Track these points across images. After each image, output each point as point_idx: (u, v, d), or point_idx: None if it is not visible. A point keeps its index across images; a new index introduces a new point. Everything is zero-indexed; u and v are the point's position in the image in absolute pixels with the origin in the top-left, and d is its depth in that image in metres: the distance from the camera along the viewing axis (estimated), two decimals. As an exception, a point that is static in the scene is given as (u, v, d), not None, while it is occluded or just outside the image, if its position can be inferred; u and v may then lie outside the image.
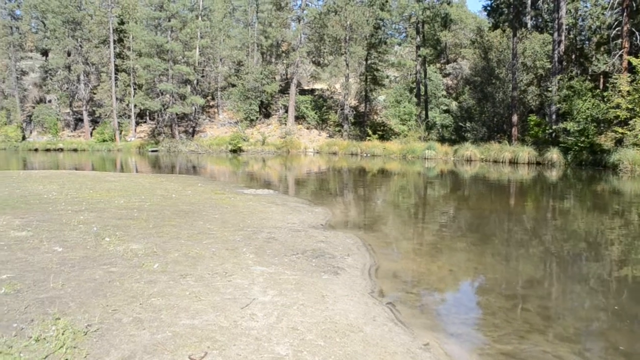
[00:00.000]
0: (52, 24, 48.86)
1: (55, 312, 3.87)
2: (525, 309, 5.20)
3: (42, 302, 4.09)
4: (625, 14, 27.24)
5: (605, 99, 25.93)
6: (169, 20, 44.85)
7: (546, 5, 35.72)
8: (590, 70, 32.93)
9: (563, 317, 5.01)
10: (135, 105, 47.64)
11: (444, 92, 44.74)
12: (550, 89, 30.11)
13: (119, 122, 48.85)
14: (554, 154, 26.39)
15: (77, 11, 48.57)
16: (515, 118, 32.32)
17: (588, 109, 25.60)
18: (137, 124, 50.83)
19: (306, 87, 51.48)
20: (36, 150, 46.60)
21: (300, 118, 46.18)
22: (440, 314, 5.11)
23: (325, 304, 4.70)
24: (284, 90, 48.27)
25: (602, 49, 33.96)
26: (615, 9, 29.79)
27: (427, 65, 43.43)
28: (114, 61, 48.12)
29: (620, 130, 24.43)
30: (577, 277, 6.63)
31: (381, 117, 45.09)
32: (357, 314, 4.54)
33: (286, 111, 46.38)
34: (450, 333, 4.57)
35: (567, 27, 32.41)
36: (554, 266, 7.18)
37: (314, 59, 50.97)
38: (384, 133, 40.35)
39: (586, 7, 36.22)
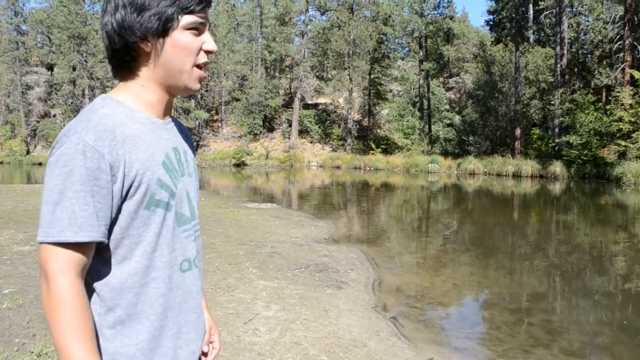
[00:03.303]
0: (57, 39, 49.26)
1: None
2: (530, 323, 5.17)
3: (44, 316, 4.08)
4: (626, 27, 27.33)
5: (607, 112, 25.92)
6: (174, 36, 45.22)
7: (548, 20, 35.91)
8: (592, 84, 32.95)
9: (568, 331, 4.98)
10: (139, 120, 47.85)
11: (447, 106, 44.76)
12: (552, 102, 30.13)
13: (123, 137, 49.05)
14: (557, 167, 26.35)
15: (83, 26, 49.02)
16: (518, 131, 32.32)
17: (591, 122, 25.58)
18: (141, 138, 51.01)
19: (310, 102, 51.60)
20: (40, 164, 46.74)
21: (303, 132, 46.25)
22: (444, 328, 5.08)
23: (328, 319, 4.68)
24: (288, 105, 48.39)
25: (604, 62, 34.04)
26: (617, 23, 29.92)
27: (430, 79, 43.53)
28: (119, 76, 48.44)
29: (623, 143, 24.40)
30: (581, 291, 6.60)
31: (384, 131, 45.13)
32: (360, 329, 4.52)
33: (290, 125, 46.46)
34: (454, 347, 4.54)
35: (569, 41, 32.52)
36: (558, 280, 7.15)
37: (317, 74, 51.13)
38: (387, 147, 40.35)
39: (588, 21, 36.37)
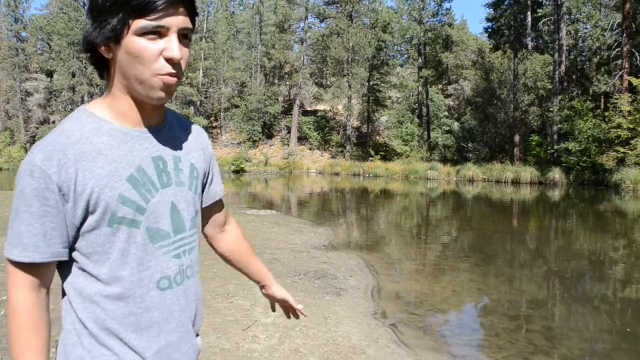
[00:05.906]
0: (57, 45, 49.40)
1: (55, 334, 3.85)
2: (530, 329, 5.16)
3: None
4: (624, 35, 27.44)
5: (606, 119, 26.00)
6: (173, 42, 45.28)
7: (546, 27, 36.03)
8: (591, 91, 33.01)
9: (568, 338, 4.97)
10: (138, 127, 47.87)
11: (446, 113, 44.81)
12: (551, 109, 30.20)
13: (122, 143, 49.08)
14: (556, 173, 26.38)
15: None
16: (517, 138, 32.37)
17: (589, 128, 25.65)
18: (141, 144, 51.01)
19: (309, 108, 51.70)
20: (39, 171, 46.67)
21: (302, 139, 46.29)
22: (443, 335, 5.07)
23: (327, 326, 4.67)
24: (287, 112, 48.46)
25: (602, 69, 34.12)
26: (615, 30, 30.02)
27: (429, 86, 43.61)
28: (118, 82, 48.52)
29: (621, 149, 24.46)
30: (580, 298, 6.59)
31: (383, 138, 45.16)
32: (359, 336, 4.51)
33: (289, 132, 46.51)
34: (453, 354, 4.52)
35: (567, 48, 32.62)
36: (557, 287, 7.14)
37: (316, 81, 51.23)
38: (386, 153, 40.37)
39: (586, 28, 36.47)
